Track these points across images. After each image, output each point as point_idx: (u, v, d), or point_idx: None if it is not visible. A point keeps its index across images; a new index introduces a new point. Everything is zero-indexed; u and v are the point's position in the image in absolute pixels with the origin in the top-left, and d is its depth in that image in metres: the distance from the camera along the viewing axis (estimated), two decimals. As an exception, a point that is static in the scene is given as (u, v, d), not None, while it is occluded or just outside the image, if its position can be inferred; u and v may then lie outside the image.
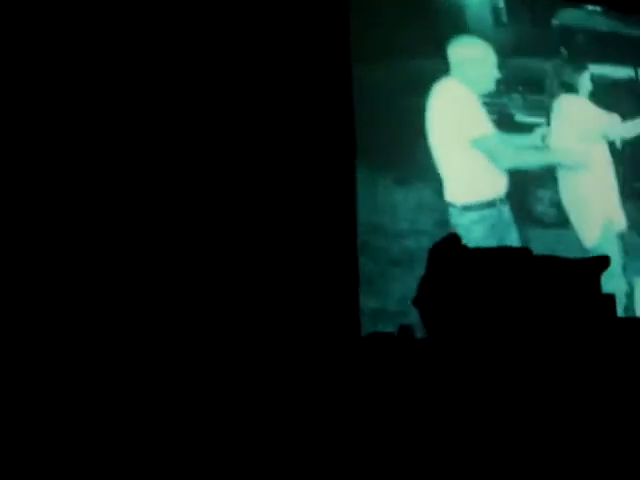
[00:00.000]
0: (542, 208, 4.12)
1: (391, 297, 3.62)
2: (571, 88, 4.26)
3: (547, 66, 4.21)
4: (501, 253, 2.22)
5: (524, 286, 2.11)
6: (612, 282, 3.14)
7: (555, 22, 4.29)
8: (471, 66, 4.12)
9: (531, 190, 4.12)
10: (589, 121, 4.27)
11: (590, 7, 4.39)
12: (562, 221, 4.12)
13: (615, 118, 4.29)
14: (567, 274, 2.16)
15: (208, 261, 3.30)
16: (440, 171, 3.98)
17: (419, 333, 2.36)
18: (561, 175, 4.18)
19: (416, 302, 2.31)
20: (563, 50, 4.26)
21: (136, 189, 3.30)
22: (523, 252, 2.26)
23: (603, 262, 2.24)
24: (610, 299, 2.19)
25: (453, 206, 3.97)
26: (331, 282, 3.43)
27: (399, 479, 2.01)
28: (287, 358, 2.96)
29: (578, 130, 4.22)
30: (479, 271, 2.13)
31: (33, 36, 3.29)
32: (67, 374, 3.04)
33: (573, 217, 4.14)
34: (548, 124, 4.17)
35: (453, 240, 2.28)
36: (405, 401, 2.09)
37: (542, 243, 3.90)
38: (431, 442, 1.99)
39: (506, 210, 4.06)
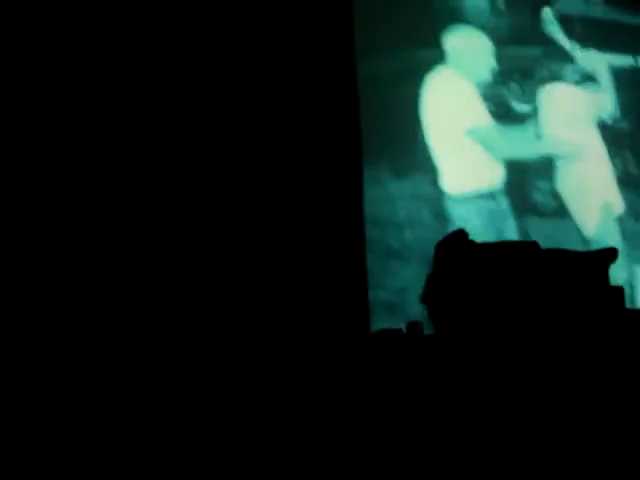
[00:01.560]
0: (540, 198, 4.11)
1: (388, 289, 3.62)
2: (561, 76, 4.24)
3: (539, 54, 4.19)
4: (509, 248, 2.21)
5: (533, 281, 2.10)
6: (613, 270, 3.14)
7: (553, 10, 4.27)
8: (467, 55, 4.10)
9: (529, 180, 4.11)
10: (577, 107, 4.26)
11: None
12: (561, 210, 4.11)
13: (604, 101, 4.27)
14: (575, 267, 2.15)
15: (213, 259, 3.28)
16: (436, 162, 3.97)
17: (427, 330, 2.35)
18: (558, 164, 4.17)
19: (424, 299, 2.29)
20: (558, 38, 4.24)
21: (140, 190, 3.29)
22: (531, 246, 2.25)
23: (611, 254, 2.23)
24: (619, 291, 2.19)
25: (450, 197, 3.96)
26: (338, 277, 3.43)
27: (406, 477, 2.00)
28: (296, 355, 2.95)
29: (568, 117, 4.21)
30: (487, 267, 2.12)
31: (32, 36, 3.26)
32: (67, 374, 3.04)
33: (572, 205, 4.13)
34: (540, 113, 4.16)
35: (460, 236, 2.26)
36: (414, 397, 2.08)
37: (541, 233, 3.89)
38: (440, 439, 1.98)
39: (504, 200, 4.04)
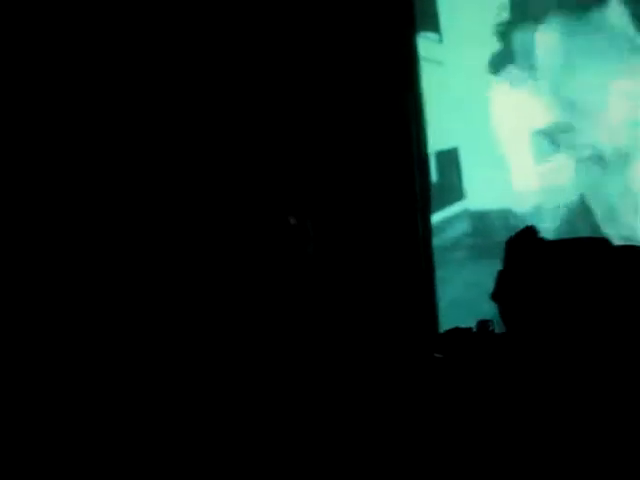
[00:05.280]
0: (622, 198, 4.03)
1: (463, 293, 3.63)
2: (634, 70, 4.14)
3: (610, 49, 4.10)
4: (580, 244, 2.17)
5: (606, 278, 2.06)
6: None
7: (623, 11, 4.17)
8: (538, 53, 4.06)
9: (612, 179, 4.04)
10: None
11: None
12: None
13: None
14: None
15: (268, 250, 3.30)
16: (513, 160, 3.95)
17: (498, 328, 2.33)
18: (635, 160, 4.08)
19: (495, 296, 2.28)
20: (629, 30, 4.14)
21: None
22: (602, 242, 2.21)
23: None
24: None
25: (527, 197, 3.94)
26: (407, 279, 3.43)
27: (478, 475, 1.98)
28: (364, 356, 2.95)
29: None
30: (559, 263, 2.09)
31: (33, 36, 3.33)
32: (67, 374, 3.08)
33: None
34: (612, 109, 4.08)
35: (531, 232, 2.24)
36: (485, 396, 2.06)
37: (620, 233, 3.82)
38: (511, 439, 1.96)
39: (583, 200, 3.99)
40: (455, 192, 3.89)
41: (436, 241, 3.72)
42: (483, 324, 2.41)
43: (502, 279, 2.26)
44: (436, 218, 3.78)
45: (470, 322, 2.37)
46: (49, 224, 3.30)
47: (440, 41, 3.94)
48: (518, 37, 4.02)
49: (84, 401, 3.02)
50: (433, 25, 3.92)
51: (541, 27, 4.06)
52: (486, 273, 2.30)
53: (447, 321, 3.26)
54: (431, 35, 3.93)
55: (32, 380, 3.06)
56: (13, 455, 2.87)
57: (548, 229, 3.69)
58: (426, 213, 3.71)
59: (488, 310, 2.22)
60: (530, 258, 2.14)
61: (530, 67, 4.03)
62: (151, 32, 3.45)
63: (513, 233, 2.26)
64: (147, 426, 2.91)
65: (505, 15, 4.02)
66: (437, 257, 3.68)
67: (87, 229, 3.33)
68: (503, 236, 2.26)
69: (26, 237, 3.27)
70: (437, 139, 3.85)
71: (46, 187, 3.33)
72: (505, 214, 3.85)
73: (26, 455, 2.89)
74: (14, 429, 2.94)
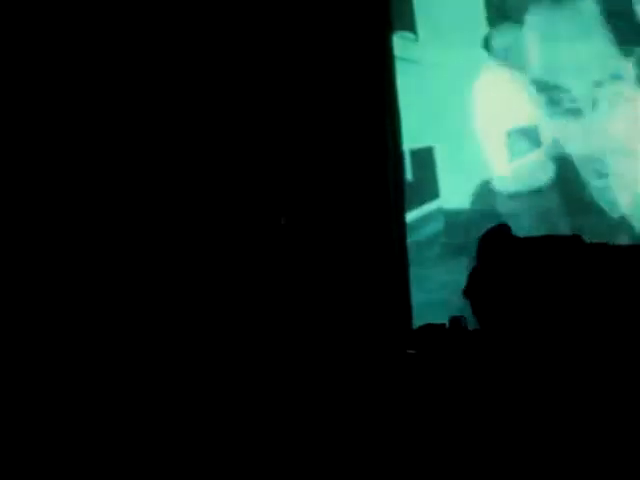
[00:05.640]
0: (594, 195, 4.06)
1: (436, 290, 3.64)
2: (618, 74, 4.18)
3: (595, 51, 4.13)
4: (552, 241, 2.19)
5: (578, 275, 2.09)
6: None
7: (600, 5, 4.20)
8: (517, 52, 4.08)
9: (582, 176, 4.07)
10: (633, 106, 4.18)
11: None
12: (614, 208, 4.05)
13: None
14: (622, 262, 2.13)
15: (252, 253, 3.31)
16: (486, 159, 3.97)
17: (471, 324, 2.35)
18: (612, 160, 4.11)
19: (467, 293, 2.29)
20: (609, 35, 4.17)
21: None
22: (575, 240, 2.24)
23: (657, 248, 2.19)
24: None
25: (500, 195, 3.96)
26: (381, 276, 3.44)
27: (451, 473, 1.99)
28: (338, 353, 2.96)
29: (628, 116, 4.14)
30: (531, 260, 2.11)
31: (33, 36, 3.32)
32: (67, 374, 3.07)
33: (625, 203, 4.07)
34: (597, 109, 4.11)
35: (503, 229, 2.26)
36: (457, 391, 2.08)
37: (595, 231, 3.85)
38: (483, 436, 1.97)
39: (555, 198, 4.01)
40: (430, 190, 3.91)
41: (410, 239, 3.74)
42: (456, 320, 2.43)
43: (474, 276, 2.29)
44: (411, 216, 3.81)
45: (443, 319, 2.39)
46: (49, 224, 3.30)
47: (416, 40, 3.96)
48: (494, 36, 4.04)
49: (84, 401, 3.02)
50: (409, 24, 3.93)
51: (518, 25, 4.09)
52: (460, 270, 2.32)
53: (420, 317, 3.28)
54: (407, 34, 3.95)
55: (32, 380, 3.05)
56: (13, 455, 2.87)
57: (521, 227, 3.72)
58: (400, 211, 3.73)
59: (461, 307, 2.23)
60: (502, 255, 2.16)
61: (505, 66, 4.05)
62: (148, 34, 3.45)
63: (486, 231, 2.28)
64: (147, 426, 2.91)
65: (481, 13, 4.03)
66: (411, 254, 3.70)
67: (87, 230, 3.33)
68: (477, 234, 2.28)
69: (26, 237, 3.27)
70: (412, 137, 3.86)
71: (46, 187, 3.33)
72: (479, 212, 3.88)
73: (26, 455, 2.89)
74: (14, 429, 2.93)
